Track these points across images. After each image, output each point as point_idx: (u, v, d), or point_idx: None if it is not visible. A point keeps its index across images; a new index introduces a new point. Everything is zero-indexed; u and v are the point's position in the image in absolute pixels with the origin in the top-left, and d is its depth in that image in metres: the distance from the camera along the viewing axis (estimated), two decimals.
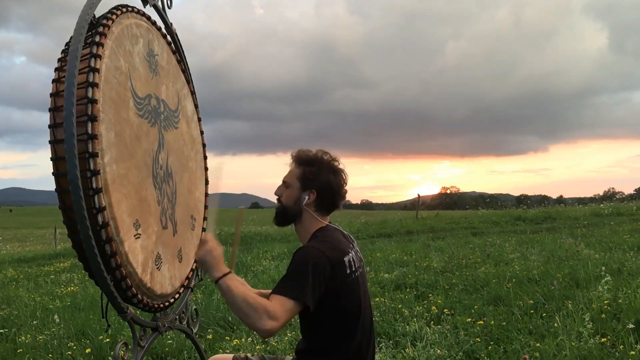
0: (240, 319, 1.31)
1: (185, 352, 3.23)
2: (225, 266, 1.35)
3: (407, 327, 3.51)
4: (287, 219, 1.51)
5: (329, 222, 1.56)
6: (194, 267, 1.97)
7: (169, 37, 1.90)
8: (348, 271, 1.42)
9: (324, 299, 1.36)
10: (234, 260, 1.68)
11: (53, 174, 1.39)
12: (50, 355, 3.34)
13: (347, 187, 1.51)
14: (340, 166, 1.51)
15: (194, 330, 2.01)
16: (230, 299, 1.30)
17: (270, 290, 1.39)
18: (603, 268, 4.54)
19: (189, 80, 2.04)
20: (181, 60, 1.99)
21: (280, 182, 1.55)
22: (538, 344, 3.01)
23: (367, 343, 1.49)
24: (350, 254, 1.46)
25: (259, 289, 1.71)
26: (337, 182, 1.49)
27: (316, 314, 1.38)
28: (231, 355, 1.66)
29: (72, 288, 6.21)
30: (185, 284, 1.90)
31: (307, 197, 1.47)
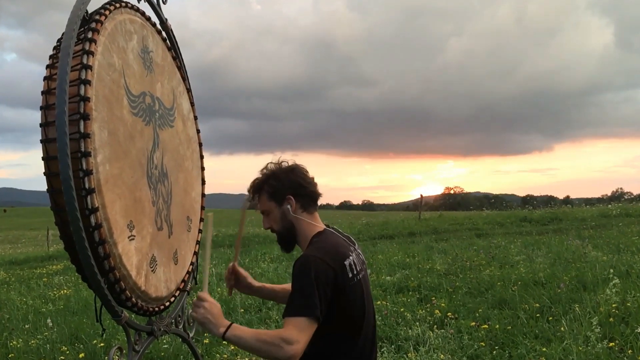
0: (264, 358, 1.32)
1: (182, 356, 3.20)
2: (225, 320, 1.35)
3: (410, 331, 3.46)
4: (289, 241, 1.51)
5: (327, 226, 1.52)
6: (190, 270, 1.94)
7: (164, 34, 1.87)
8: (350, 275, 1.39)
9: (328, 304, 1.34)
10: (238, 257, 1.65)
11: (45, 173, 1.36)
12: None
13: (310, 174, 1.50)
14: (290, 162, 1.50)
15: (191, 335, 1.98)
16: (244, 346, 1.32)
17: (280, 285, 1.37)
18: (611, 270, 4.46)
19: (184, 78, 2.01)
20: (177, 57, 1.96)
21: None
22: (544, 349, 2.95)
23: (369, 348, 1.46)
24: (350, 257, 1.43)
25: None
26: (299, 175, 1.48)
27: (319, 320, 1.34)
28: None
29: (65, 291, 6.20)
30: (181, 287, 1.87)
31: (289, 206, 1.46)
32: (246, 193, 1.54)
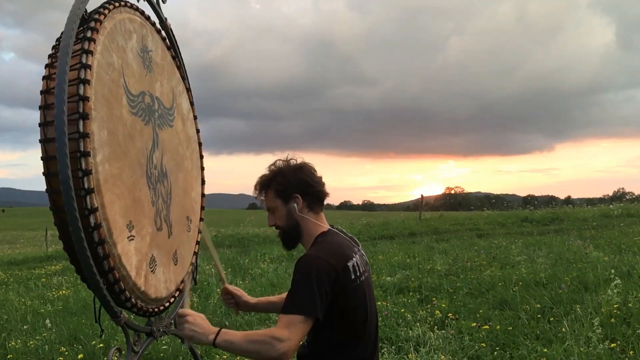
0: (257, 359, 1.30)
1: (181, 357, 3.20)
2: (212, 326, 1.34)
3: (410, 332, 3.45)
4: (292, 239, 1.49)
5: (331, 226, 1.51)
6: (189, 270, 1.93)
7: (163, 33, 1.87)
8: (353, 276, 1.38)
9: (329, 304, 1.33)
10: (224, 279, 1.67)
11: (44, 173, 1.35)
12: None
13: (318, 173, 1.49)
14: (299, 161, 1.49)
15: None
16: (235, 349, 1.30)
17: (277, 295, 1.37)
18: (613, 271, 4.45)
19: (184, 77, 2.00)
20: (176, 57, 1.95)
21: None
22: (545, 350, 2.94)
23: (372, 349, 1.46)
24: (354, 258, 1.42)
25: (257, 292, 1.68)
26: (307, 174, 1.46)
27: (319, 321, 1.33)
28: None
29: (63, 292, 6.19)
30: (180, 287, 1.86)
31: (295, 205, 1.44)
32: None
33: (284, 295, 1.48)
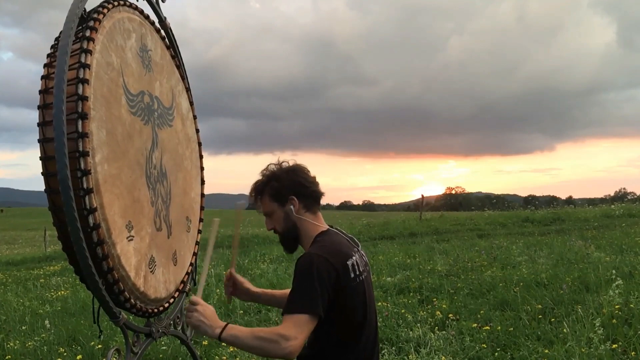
0: (262, 357, 1.30)
1: (180, 358, 3.19)
2: (220, 320, 1.34)
3: (411, 332, 3.44)
4: (292, 241, 1.49)
5: (330, 226, 1.51)
6: (189, 271, 1.92)
7: (162, 32, 1.86)
8: (352, 275, 1.38)
9: (329, 304, 1.32)
10: (235, 263, 1.64)
11: (42, 173, 1.35)
12: None
13: (311, 174, 1.49)
14: (291, 163, 1.49)
15: (189, 336, 1.96)
16: (241, 345, 1.30)
17: (280, 290, 1.38)
18: (614, 271, 4.43)
19: (183, 77, 1.99)
20: (175, 56, 1.94)
21: None
22: (546, 350, 2.93)
23: (371, 349, 1.45)
24: (353, 258, 1.42)
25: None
26: (300, 175, 1.47)
27: (320, 319, 1.33)
28: None
29: (62, 292, 6.18)
30: (180, 288, 1.85)
31: (292, 207, 1.44)
32: (245, 193, 1.53)
33: (286, 291, 1.48)
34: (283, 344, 1.23)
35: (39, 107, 1.35)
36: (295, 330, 1.25)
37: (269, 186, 1.45)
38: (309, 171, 1.49)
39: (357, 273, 1.40)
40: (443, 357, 2.95)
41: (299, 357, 1.46)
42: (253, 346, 1.27)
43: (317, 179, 1.50)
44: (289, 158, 1.49)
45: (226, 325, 1.31)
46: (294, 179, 1.45)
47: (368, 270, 1.51)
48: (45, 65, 1.40)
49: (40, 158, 1.34)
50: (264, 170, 1.48)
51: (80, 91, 1.32)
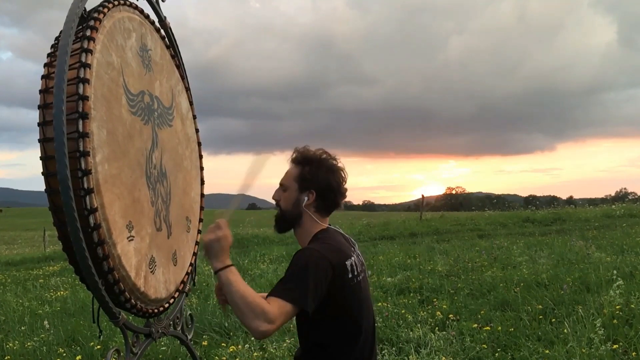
0: (236, 315, 1.28)
1: (180, 359, 3.18)
2: (229, 259, 1.30)
3: (411, 333, 3.43)
4: (287, 224, 1.47)
5: (330, 225, 1.50)
6: (189, 271, 1.92)
7: (162, 32, 1.86)
8: (350, 275, 1.38)
9: (325, 303, 1.32)
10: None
11: (42, 173, 1.34)
12: None
13: (346, 186, 1.47)
14: (340, 164, 1.46)
15: (189, 337, 1.96)
16: (229, 292, 1.26)
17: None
18: (615, 272, 4.43)
19: (183, 76, 1.99)
20: (175, 55, 1.94)
21: (277, 184, 1.49)
22: (547, 351, 2.92)
23: (369, 350, 1.45)
24: (352, 258, 1.42)
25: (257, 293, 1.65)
26: (336, 181, 1.44)
27: (316, 320, 1.33)
28: None
29: (61, 292, 6.16)
30: (180, 288, 1.85)
31: (306, 198, 1.42)
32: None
33: None
34: (261, 321, 1.20)
35: (39, 107, 1.35)
36: (278, 314, 1.23)
37: (305, 165, 1.42)
38: (345, 180, 1.46)
39: (355, 273, 1.40)
40: (443, 358, 2.95)
41: (296, 358, 1.46)
42: (236, 303, 1.23)
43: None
44: (344, 159, 1.44)
45: (229, 266, 1.27)
46: (327, 179, 1.42)
47: (365, 270, 1.50)
48: (45, 65, 1.39)
49: (41, 158, 1.34)
50: (317, 150, 1.44)
51: (80, 91, 1.32)
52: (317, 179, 1.41)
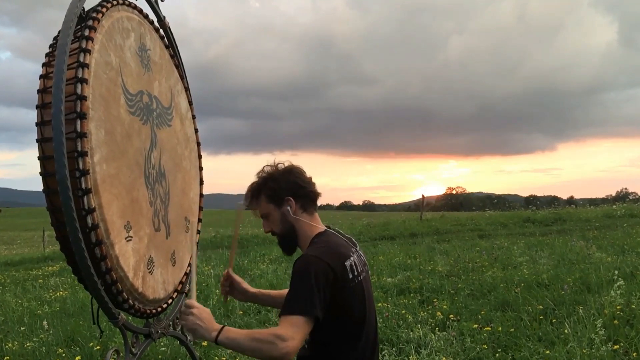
0: (259, 358, 1.30)
1: (179, 359, 3.17)
2: (216, 323, 1.32)
3: (411, 333, 3.42)
4: (290, 242, 1.49)
5: (328, 227, 1.50)
6: (187, 271, 1.91)
7: (161, 31, 1.85)
8: (350, 276, 1.38)
9: (327, 305, 1.32)
10: (233, 263, 1.63)
11: (41, 173, 1.34)
12: None
13: (307, 175, 1.49)
14: (286, 164, 1.49)
15: (189, 337, 1.95)
16: (237, 347, 1.30)
17: (277, 290, 1.37)
18: (616, 272, 4.41)
19: (182, 76, 1.98)
20: (174, 55, 1.94)
21: None
22: (548, 351, 2.92)
23: (371, 350, 1.44)
24: (351, 258, 1.42)
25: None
26: (297, 176, 1.46)
27: (318, 321, 1.32)
28: None
29: (61, 293, 6.15)
30: (178, 288, 1.85)
31: (288, 207, 1.44)
32: (244, 193, 1.52)
33: (283, 291, 1.47)
34: (280, 345, 1.22)
35: (37, 107, 1.34)
36: (292, 330, 1.24)
37: (265, 187, 1.45)
38: (304, 172, 1.49)
39: (356, 273, 1.40)
40: (444, 358, 2.94)
41: (299, 357, 1.45)
42: (250, 348, 1.26)
43: (317, 179, 1.50)
44: (284, 159, 1.48)
45: (222, 328, 1.29)
46: (290, 180, 1.44)
47: (367, 270, 1.50)
48: (43, 65, 1.39)
49: (39, 158, 1.34)
50: (260, 172, 1.48)
51: (79, 91, 1.32)
52: (281, 186, 1.44)
